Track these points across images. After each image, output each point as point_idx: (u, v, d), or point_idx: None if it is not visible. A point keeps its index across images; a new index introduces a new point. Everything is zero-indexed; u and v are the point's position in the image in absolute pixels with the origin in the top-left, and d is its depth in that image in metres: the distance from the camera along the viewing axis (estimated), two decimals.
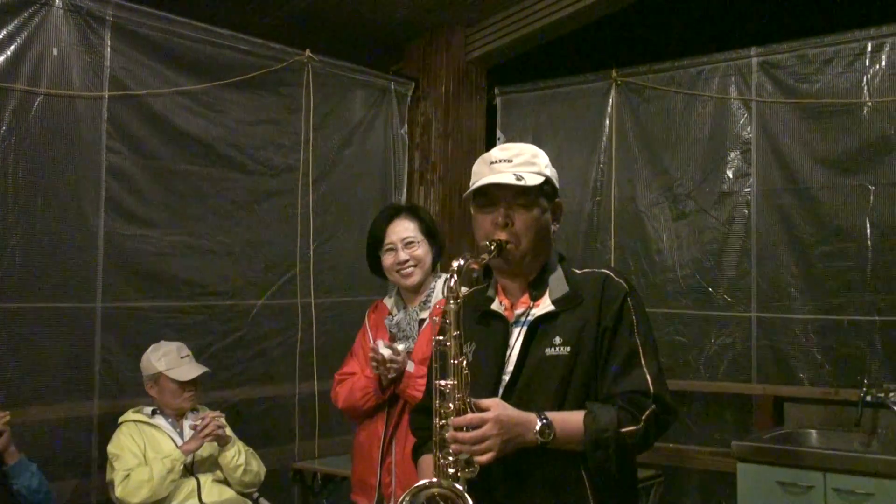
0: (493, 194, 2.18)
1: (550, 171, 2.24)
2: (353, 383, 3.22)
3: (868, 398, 4.12)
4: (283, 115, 4.80)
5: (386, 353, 3.02)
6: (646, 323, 2.19)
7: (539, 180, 2.17)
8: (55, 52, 3.87)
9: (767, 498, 3.89)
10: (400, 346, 3.08)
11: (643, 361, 2.14)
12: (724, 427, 4.80)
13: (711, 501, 4.83)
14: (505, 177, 2.15)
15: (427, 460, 2.24)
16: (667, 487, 4.72)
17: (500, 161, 2.20)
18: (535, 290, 2.23)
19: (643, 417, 2.08)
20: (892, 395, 4.09)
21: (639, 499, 2.34)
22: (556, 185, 2.26)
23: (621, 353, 2.13)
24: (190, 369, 3.88)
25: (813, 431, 4.36)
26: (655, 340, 2.22)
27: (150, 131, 4.23)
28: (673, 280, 4.93)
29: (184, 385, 3.86)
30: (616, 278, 2.21)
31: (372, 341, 3.23)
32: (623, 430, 2.06)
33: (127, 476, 3.64)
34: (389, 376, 3.06)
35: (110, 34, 4.05)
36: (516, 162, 2.19)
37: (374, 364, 3.05)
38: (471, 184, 2.23)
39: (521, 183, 2.13)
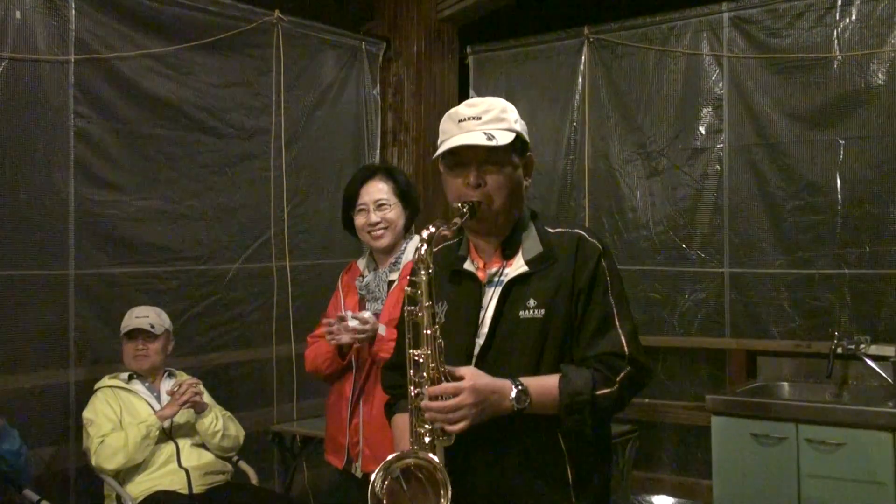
0: (464, 154, 2.13)
1: (520, 126, 2.18)
2: (318, 348, 3.23)
3: (839, 350, 4.17)
4: (254, 77, 4.75)
5: (353, 323, 3.02)
6: (619, 284, 2.17)
7: (510, 137, 2.11)
8: (18, 15, 3.80)
9: (741, 450, 3.96)
10: (366, 314, 3.07)
11: (617, 323, 2.12)
12: (699, 381, 4.86)
13: (686, 454, 4.90)
14: (475, 136, 2.09)
15: (400, 420, 2.23)
16: (642, 442, 4.78)
17: (469, 119, 2.13)
18: (508, 248, 2.19)
19: (618, 379, 2.08)
20: (862, 346, 4.15)
21: (612, 457, 2.34)
22: (527, 138, 2.21)
23: (596, 315, 2.12)
24: (132, 324, 3.88)
25: (785, 384, 4.43)
26: (628, 301, 2.20)
27: (118, 95, 4.17)
28: (647, 237, 4.96)
29: (129, 340, 3.87)
30: (590, 239, 2.18)
31: (343, 305, 3.24)
32: (598, 392, 2.05)
33: (101, 442, 3.64)
34: (356, 344, 3.07)
35: None
36: (485, 119, 2.12)
37: (328, 333, 3.07)
38: (439, 143, 2.18)
39: (493, 143, 2.08)
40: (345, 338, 3.04)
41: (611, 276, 2.16)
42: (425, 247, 2.04)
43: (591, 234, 2.21)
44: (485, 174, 2.13)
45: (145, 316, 3.92)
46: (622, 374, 2.09)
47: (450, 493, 1.95)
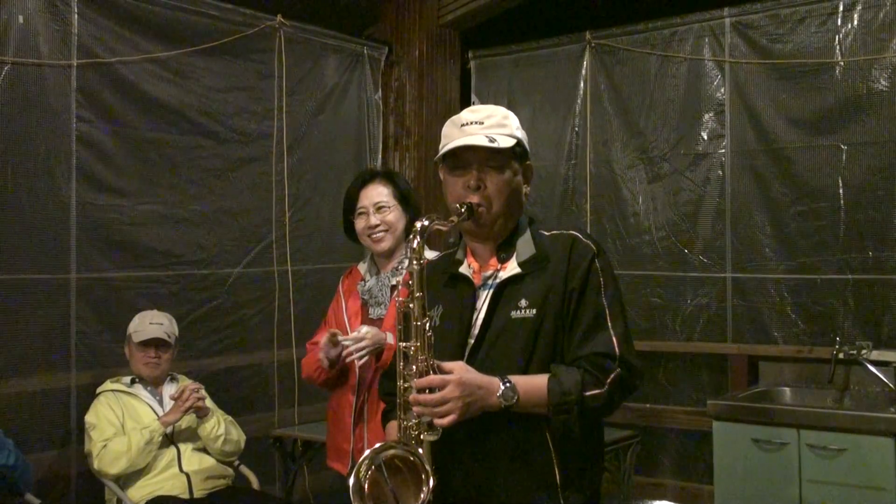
0: (465, 157, 2.16)
1: (521, 133, 2.22)
2: (310, 356, 3.19)
3: (840, 355, 4.17)
4: (256, 81, 4.75)
5: (347, 342, 2.98)
6: (613, 285, 2.17)
7: (511, 142, 2.15)
8: (21, 19, 3.81)
9: (743, 455, 3.95)
10: (364, 329, 3.02)
11: (609, 324, 2.11)
12: (700, 386, 4.85)
13: (688, 460, 4.89)
14: (477, 139, 2.12)
15: (394, 426, 2.22)
16: (644, 447, 4.76)
17: (471, 123, 2.16)
18: (503, 252, 2.21)
19: (608, 381, 2.06)
20: (864, 352, 4.15)
21: (603, 462, 2.32)
22: (527, 146, 2.24)
23: (587, 315, 2.11)
24: (148, 332, 3.87)
25: (787, 389, 4.42)
26: (623, 303, 2.19)
27: (120, 99, 4.18)
28: (649, 242, 4.95)
29: (142, 348, 3.85)
30: (584, 240, 2.18)
31: (344, 309, 3.22)
32: (587, 393, 2.04)
33: (104, 446, 3.64)
34: (362, 357, 2.99)
35: (77, 1, 3.98)
36: (487, 124, 2.16)
37: (323, 356, 3.03)
38: (440, 147, 2.20)
39: (494, 145, 2.12)
40: (354, 356, 2.99)
41: (604, 276, 2.15)
42: (417, 239, 2.06)
43: (586, 235, 2.22)
44: (485, 177, 2.15)
45: (160, 323, 3.91)
46: (612, 376, 2.07)
47: (431, 484, 1.95)
